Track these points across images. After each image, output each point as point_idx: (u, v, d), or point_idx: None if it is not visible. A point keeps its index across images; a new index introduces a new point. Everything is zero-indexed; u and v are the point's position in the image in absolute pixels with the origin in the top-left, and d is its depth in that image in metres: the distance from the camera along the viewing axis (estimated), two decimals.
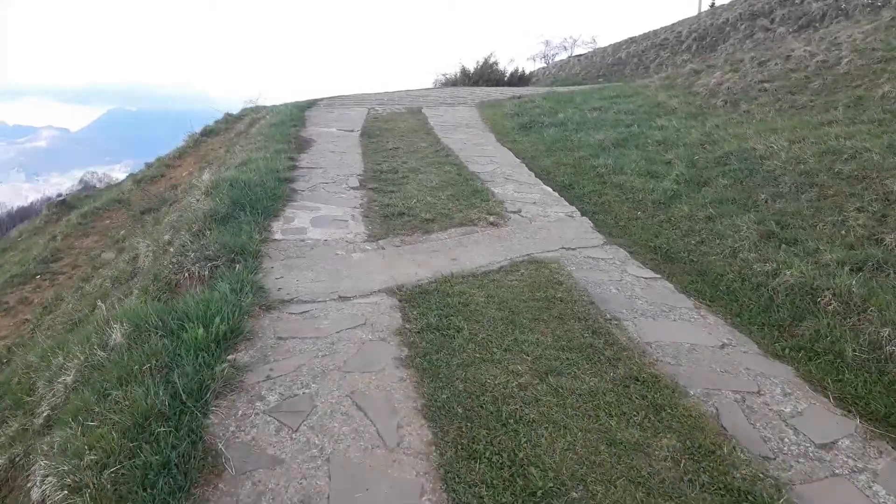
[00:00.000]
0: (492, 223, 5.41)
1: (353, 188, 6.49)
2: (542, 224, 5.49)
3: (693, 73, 14.59)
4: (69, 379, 2.98)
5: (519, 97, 15.39)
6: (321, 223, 5.24)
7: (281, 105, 15.53)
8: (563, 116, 11.09)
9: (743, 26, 26.90)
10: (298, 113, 11.74)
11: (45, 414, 2.98)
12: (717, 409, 2.83)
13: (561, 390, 2.83)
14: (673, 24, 34.43)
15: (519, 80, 28.68)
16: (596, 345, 3.28)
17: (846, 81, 10.05)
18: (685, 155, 7.53)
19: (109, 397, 2.67)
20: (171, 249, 4.78)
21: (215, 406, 2.62)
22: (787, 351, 3.45)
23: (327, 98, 17.02)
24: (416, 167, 7.38)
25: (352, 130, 10.19)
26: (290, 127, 9.82)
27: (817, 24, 23.55)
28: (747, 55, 14.46)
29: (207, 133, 12.85)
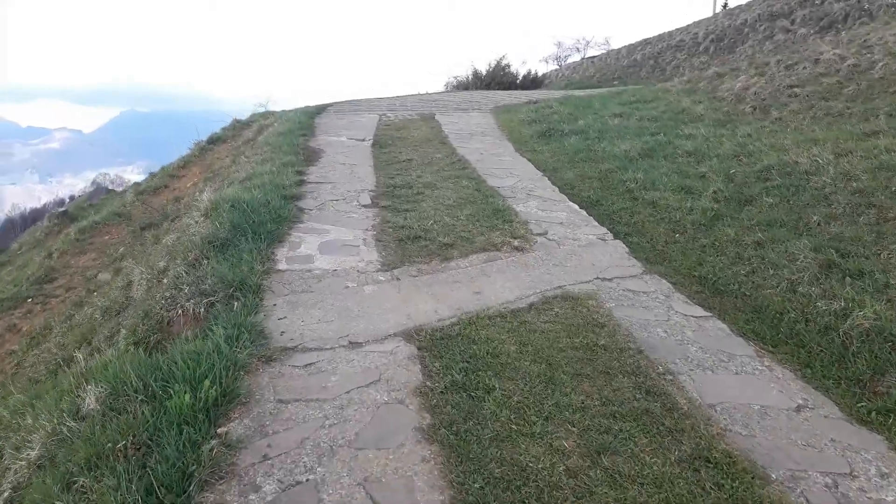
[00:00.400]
0: (516, 248, 4.92)
1: (365, 206, 6.02)
2: (571, 248, 4.99)
3: (716, 77, 14.06)
4: (33, 454, 2.53)
5: (535, 102, 14.91)
6: (330, 249, 4.77)
7: (290, 111, 15.15)
8: (584, 123, 10.58)
9: (762, 27, 26.27)
10: (307, 120, 11.31)
11: (5, 494, 2.53)
12: (807, 501, 2.33)
13: (619, 477, 2.33)
14: (688, 26, 33.83)
15: (532, 82, 28.21)
16: (652, 410, 2.78)
17: (883, 87, 9.47)
18: (720, 168, 7.00)
19: (75, 486, 2.22)
20: (165, 280, 4.33)
21: (200, 501, 2.15)
22: (873, 414, 2.94)
23: (337, 103, 16.60)
24: (432, 182, 6.91)
25: (363, 140, 9.73)
26: (298, 136, 9.38)
27: (839, 26, 22.92)
28: (773, 58, 13.89)
29: (214, 141, 12.47)
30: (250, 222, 4.92)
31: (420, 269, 4.51)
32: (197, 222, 5.23)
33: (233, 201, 5.19)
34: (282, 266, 4.37)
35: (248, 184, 6.41)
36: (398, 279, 4.31)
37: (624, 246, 5.09)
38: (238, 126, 13.75)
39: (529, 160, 8.50)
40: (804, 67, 12.39)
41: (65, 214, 11.04)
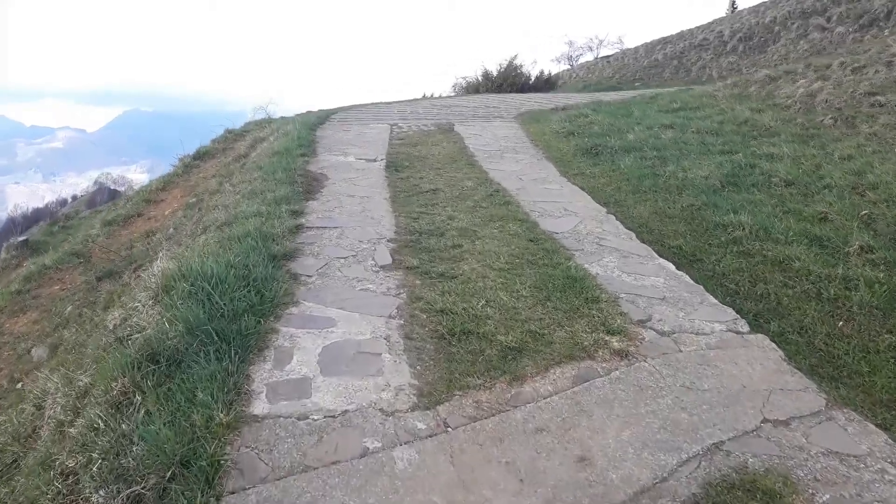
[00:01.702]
0: (618, 353, 3.26)
1: (384, 267, 4.37)
2: (698, 352, 3.32)
3: (769, 81, 12.42)
4: None
5: (563, 108, 13.27)
6: (337, 362, 3.11)
7: (290, 119, 13.54)
8: (634, 138, 8.93)
9: (794, 25, 24.57)
10: (307, 134, 9.66)
11: None
12: None
13: None
14: (710, 24, 32.20)
15: (545, 83, 26.58)
16: None
17: None
18: (843, 208, 5.36)
19: None
20: (73, 430, 2.68)
21: None
22: None
23: (341, 110, 14.94)
24: (469, 226, 5.25)
25: (374, 159, 8.08)
26: (296, 156, 7.73)
27: (882, 24, 21.33)
28: (835, 60, 12.21)
29: (201, 156, 10.82)
30: (218, 315, 3.26)
31: (478, 402, 2.85)
32: (144, 306, 3.57)
33: (194, 278, 3.52)
34: (259, 407, 2.71)
35: (226, 232, 4.77)
36: (447, 428, 2.65)
37: (775, 347, 3.41)
38: (230, 137, 12.12)
39: (582, 188, 6.83)
40: (876, 71, 10.75)
41: (25, 244, 9.42)
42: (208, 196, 8.26)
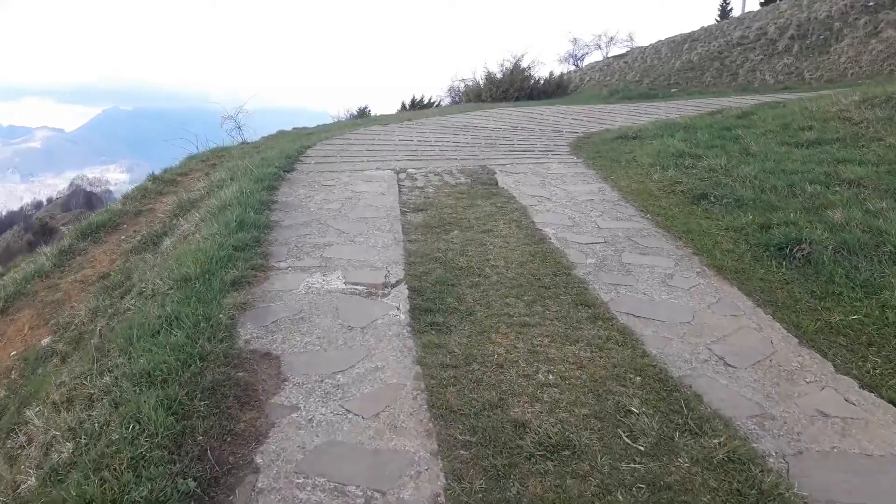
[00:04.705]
0: None
1: None
2: None
3: None
4: None
5: (634, 137, 9.33)
6: None
7: (250, 152, 9.44)
8: (842, 218, 5.01)
9: (861, 22, 20.80)
10: (260, 203, 5.56)
11: None
12: None
13: None
14: (741, 18, 28.47)
15: (557, 88, 22.62)
16: None
17: None
18: None
19: None
20: None
21: None
22: None
23: (324, 135, 10.73)
24: None
25: (381, 283, 4.00)
26: (220, 292, 3.63)
27: None
28: None
29: (94, 230, 6.63)
30: None
31: None
32: None
33: None
34: None
35: None
36: None
37: None
38: (152, 189, 7.95)
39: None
40: None
41: None
42: (67, 342, 4.18)
